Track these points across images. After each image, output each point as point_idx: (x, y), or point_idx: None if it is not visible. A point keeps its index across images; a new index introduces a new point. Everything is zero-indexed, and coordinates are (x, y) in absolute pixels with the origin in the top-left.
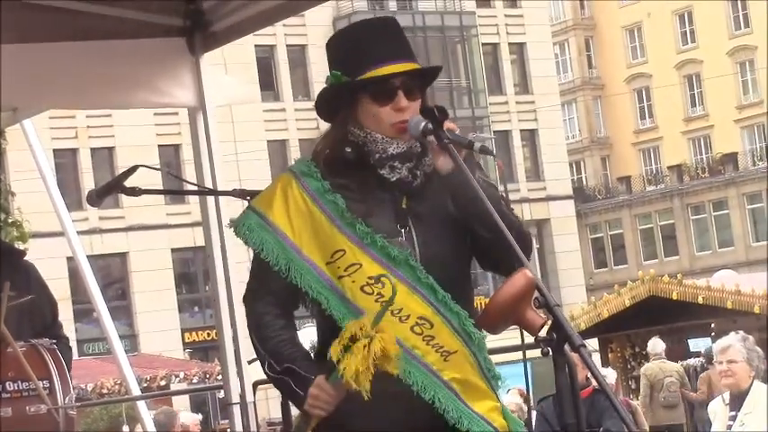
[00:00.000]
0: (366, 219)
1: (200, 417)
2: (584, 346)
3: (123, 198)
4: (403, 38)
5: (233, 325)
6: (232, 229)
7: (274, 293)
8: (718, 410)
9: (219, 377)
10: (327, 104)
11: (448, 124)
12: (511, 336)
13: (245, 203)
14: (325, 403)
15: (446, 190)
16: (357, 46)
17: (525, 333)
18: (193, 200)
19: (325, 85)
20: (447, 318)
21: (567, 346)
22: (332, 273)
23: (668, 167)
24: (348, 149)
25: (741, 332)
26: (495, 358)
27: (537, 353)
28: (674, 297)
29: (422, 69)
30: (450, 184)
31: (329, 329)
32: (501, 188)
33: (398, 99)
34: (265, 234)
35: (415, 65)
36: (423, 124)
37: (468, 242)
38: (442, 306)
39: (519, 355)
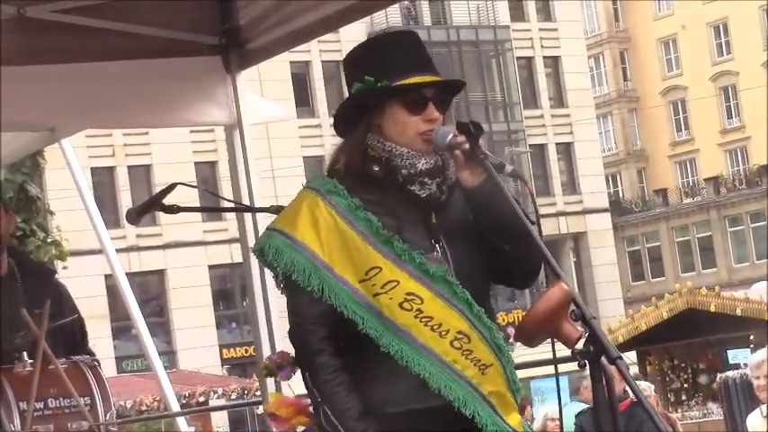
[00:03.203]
0: (400, 235)
1: None
2: (621, 359)
3: (160, 215)
4: (428, 52)
5: (271, 340)
6: (254, 253)
7: (322, 322)
8: (756, 423)
9: (258, 393)
10: (350, 112)
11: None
12: (547, 349)
13: None
14: None
15: (466, 203)
16: (389, 55)
17: (559, 346)
18: (230, 216)
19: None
20: (481, 332)
21: (603, 359)
22: (366, 290)
23: (705, 179)
24: (375, 168)
25: None
26: (534, 372)
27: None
28: (713, 309)
29: (455, 81)
30: (474, 198)
31: (357, 351)
32: (531, 210)
33: (430, 110)
34: (295, 254)
35: (444, 79)
36: (449, 137)
37: (486, 255)
38: (476, 320)
39: (559, 368)
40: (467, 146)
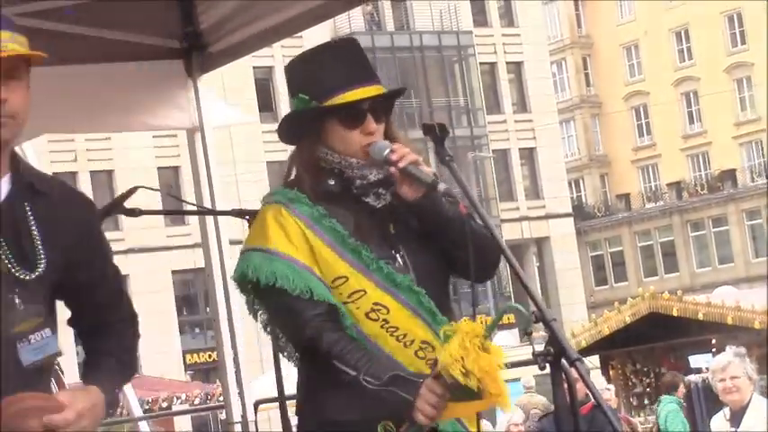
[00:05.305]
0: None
1: None
2: (581, 361)
3: (123, 220)
4: (366, 59)
5: (233, 346)
6: (235, 282)
7: (327, 318)
8: (719, 425)
9: (221, 398)
10: (292, 128)
11: (410, 156)
12: (512, 353)
13: (245, 223)
14: (436, 404)
15: (411, 214)
16: (322, 70)
17: (519, 351)
18: (193, 221)
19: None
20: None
21: (564, 362)
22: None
23: (667, 184)
24: (331, 182)
25: (734, 347)
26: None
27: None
28: (675, 313)
29: (389, 93)
30: (415, 211)
31: (313, 357)
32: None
33: (367, 123)
34: (274, 264)
35: (380, 87)
36: (386, 152)
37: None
38: (440, 329)
39: (514, 373)
40: (401, 165)
